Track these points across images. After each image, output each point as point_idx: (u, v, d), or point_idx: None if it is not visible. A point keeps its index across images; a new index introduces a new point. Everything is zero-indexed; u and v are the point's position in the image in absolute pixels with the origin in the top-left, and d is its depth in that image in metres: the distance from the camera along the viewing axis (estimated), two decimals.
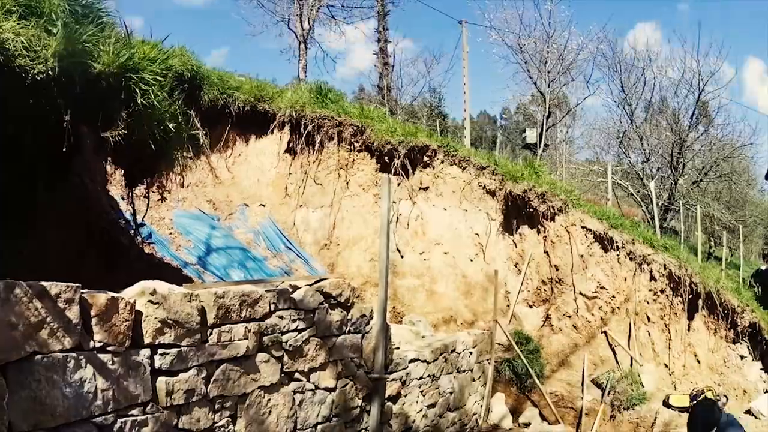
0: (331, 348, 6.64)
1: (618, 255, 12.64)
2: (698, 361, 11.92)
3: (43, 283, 3.68)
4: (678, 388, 11.50)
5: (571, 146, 45.50)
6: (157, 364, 4.48)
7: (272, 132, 15.28)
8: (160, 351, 4.50)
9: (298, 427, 6.18)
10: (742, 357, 11.77)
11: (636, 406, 11.09)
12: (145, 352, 4.40)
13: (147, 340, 4.39)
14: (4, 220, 5.85)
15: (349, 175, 14.69)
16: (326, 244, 14.53)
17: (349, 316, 6.92)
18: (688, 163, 32.73)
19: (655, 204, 25.12)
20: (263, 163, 15.39)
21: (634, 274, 12.51)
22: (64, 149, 5.10)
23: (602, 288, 12.72)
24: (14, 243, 5.98)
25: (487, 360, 10.98)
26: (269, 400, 5.73)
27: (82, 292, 3.93)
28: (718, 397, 10.52)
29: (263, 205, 14.92)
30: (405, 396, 8.24)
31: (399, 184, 14.11)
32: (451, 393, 9.57)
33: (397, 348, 8.03)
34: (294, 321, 6.00)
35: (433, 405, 9.03)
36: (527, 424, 11.04)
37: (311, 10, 28.99)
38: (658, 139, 33.22)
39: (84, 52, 4.71)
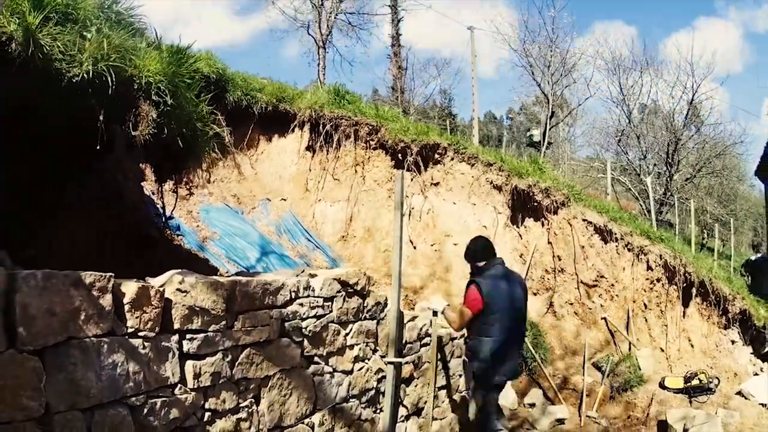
0: (348, 333, 6.63)
1: (617, 246, 12.58)
2: (692, 346, 11.85)
3: (79, 273, 3.69)
4: (673, 370, 11.42)
5: (572, 144, 45.48)
6: (185, 348, 4.48)
7: (293, 131, 15.30)
8: (188, 336, 4.50)
9: (317, 407, 6.17)
10: (733, 342, 11.70)
11: (634, 388, 11.04)
12: (174, 338, 4.39)
13: (176, 326, 4.38)
14: (44, 214, 5.85)
15: (365, 172, 14.67)
16: (343, 236, 14.51)
17: (365, 304, 6.90)
18: (683, 160, 32.80)
19: (652, 198, 25.07)
20: (284, 160, 15.41)
21: (632, 264, 12.44)
22: (97, 147, 5.10)
23: (602, 277, 12.67)
24: (52, 236, 5.99)
25: None
26: (290, 382, 5.72)
27: (115, 281, 3.93)
28: (710, 380, 10.48)
29: (284, 200, 14.91)
30: (417, 378, 8.22)
31: (412, 180, 14.08)
32: (460, 375, 9.54)
33: (410, 333, 8.00)
34: (313, 308, 5.98)
35: (443, 387, 9.01)
36: (532, 405, 11.01)
37: (329, 16, 29.09)
38: (654, 137, 33.31)
39: (117, 56, 4.69)
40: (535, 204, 13.23)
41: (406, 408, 8.00)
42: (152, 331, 4.20)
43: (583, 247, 12.75)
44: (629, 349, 11.91)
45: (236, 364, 5.00)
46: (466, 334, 7.79)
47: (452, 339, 9.16)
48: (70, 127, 5.13)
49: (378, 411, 7.28)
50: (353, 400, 6.80)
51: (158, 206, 9.79)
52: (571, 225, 12.89)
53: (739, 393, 10.55)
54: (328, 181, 14.98)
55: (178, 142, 5.56)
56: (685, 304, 12.05)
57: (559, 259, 12.95)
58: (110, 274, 3.88)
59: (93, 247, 6.80)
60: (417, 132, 14.36)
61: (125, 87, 4.88)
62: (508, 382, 8.46)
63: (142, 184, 10.29)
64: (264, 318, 5.28)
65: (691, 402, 10.41)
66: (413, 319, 8.26)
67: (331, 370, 6.37)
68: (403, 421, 7.94)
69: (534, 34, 33.37)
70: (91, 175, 6.62)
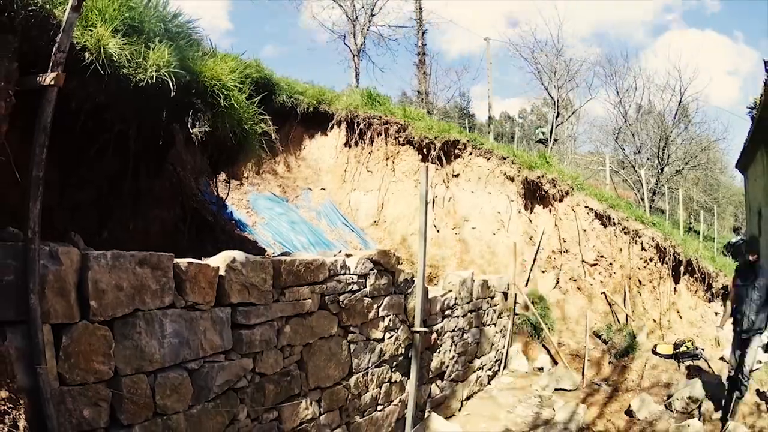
0: (379, 306, 6.57)
1: (614, 230, 12.44)
2: (680, 317, 11.70)
3: (144, 253, 3.66)
4: (664, 339, 11.28)
5: (575, 141, 45.13)
6: (237, 319, 4.44)
7: (331, 129, 15.35)
8: (239, 308, 4.46)
9: (353, 370, 6.13)
10: (716, 314, 11.53)
11: (630, 354, 10.94)
12: (227, 310, 4.36)
13: (229, 299, 4.34)
14: (115, 203, 5.84)
15: (394, 165, 14.66)
16: (375, 221, 14.50)
17: (394, 280, 6.83)
18: (672, 154, 32.45)
19: (645, 188, 24.84)
20: (324, 154, 15.44)
21: (628, 245, 12.29)
22: (160, 143, 5.07)
23: (601, 257, 12.55)
24: (122, 221, 5.98)
25: (508, 316, 10.86)
26: (329, 348, 5.67)
27: (176, 260, 3.90)
28: (696, 347, 10.36)
29: (324, 189, 14.92)
30: (440, 345, 8.15)
31: (435, 172, 14.03)
32: (477, 343, 9.48)
33: (434, 306, 7.94)
34: (349, 284, 5.93)
35: (462, 353, 8.94)
36: (540, 369, 10.94)
37: (363, 29, 29.10)
38: (647, 134, 33.00)
39: (177, 63, 4.65)
40: (543, 193, 13.13)
41: (431, 372, 7.95)
42: (208, 304, 4.16)
43: (585, 230, 12.64)
44: (626, 320, 11.79)
45: (282, 332, 4.96)
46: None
47: (475, 310, 9.11)
48: (137, 126, 5.10)
49: (405, 374, 7.24)
50: (384, 364, 6.75)
51: (213, 195, 9.78)
52: (574, 211, 12.78)
53: (721, 358, 10.42)
54: (362, 173, 14.97)
55: (231, 139, 5.52)
56: (675, 281, 11.90)
57: (564, 241, 12.84)
58: (171, 254, 3.86)
59: (158, 231, 6.79)
60: (440, 130, 14.32)
61: (184, 91, 4.84)
62: None
63: (199, 176, 10.30)
64: (306, 293, 5.23)
65: (679, 366, 10.31)
66: (445, 294, 8.23)
67: (364, 338, 6.32)
68: (427, 383, 7.90)
69: (542, 44, 33.16)
70: (156, 167, 6.60)
